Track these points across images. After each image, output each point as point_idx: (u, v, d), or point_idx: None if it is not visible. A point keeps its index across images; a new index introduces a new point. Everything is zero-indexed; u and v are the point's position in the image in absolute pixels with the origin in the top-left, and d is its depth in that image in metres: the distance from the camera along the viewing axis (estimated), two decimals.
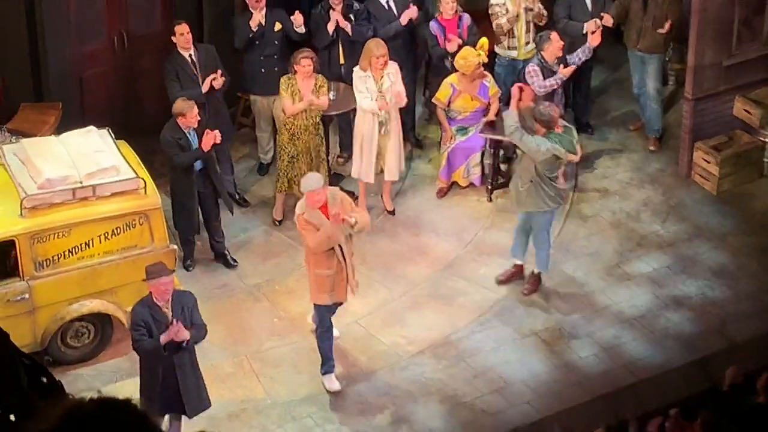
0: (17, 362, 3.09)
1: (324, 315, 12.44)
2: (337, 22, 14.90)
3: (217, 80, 14.24)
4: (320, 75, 14.25)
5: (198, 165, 13.61)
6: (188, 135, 13.44)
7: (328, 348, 12.61)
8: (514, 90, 13.38)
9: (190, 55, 14.38)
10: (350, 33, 14.97)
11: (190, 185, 13.66)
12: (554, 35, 14.55)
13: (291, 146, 14.18)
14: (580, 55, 14.73)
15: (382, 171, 14.58)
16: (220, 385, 12.66)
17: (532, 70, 14.57)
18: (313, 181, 12.21)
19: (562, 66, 14.53)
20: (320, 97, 14.10)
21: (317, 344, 12.62)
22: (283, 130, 14.26)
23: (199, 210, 13.85)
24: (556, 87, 14.53)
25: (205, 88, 14.17)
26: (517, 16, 15.19)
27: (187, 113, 13.32)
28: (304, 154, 14.18)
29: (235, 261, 14.19)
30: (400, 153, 14.63)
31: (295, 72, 14.04)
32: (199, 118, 13.42)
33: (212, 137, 13.30)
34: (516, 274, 13.84)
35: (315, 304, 12.45)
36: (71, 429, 2.65)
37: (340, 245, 12.08)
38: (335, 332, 12.87)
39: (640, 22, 15.30)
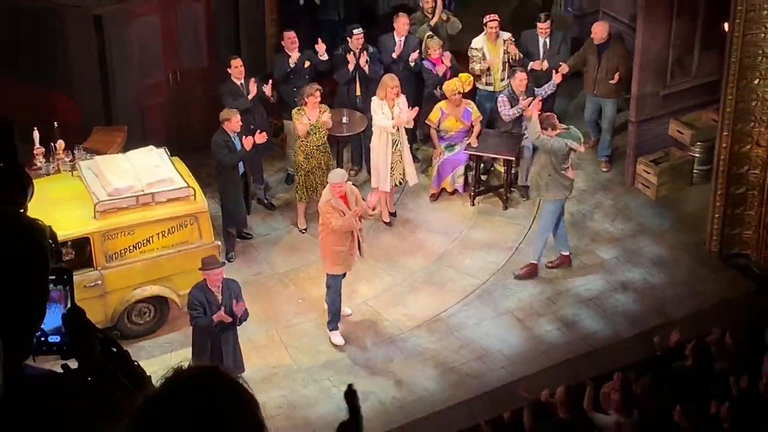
0: (92, 335, 3.08)
1: (337, 281, 12.64)
2: (357, 62, 14.88)
3: (268, 87, 14.34)
4: (323, 104, 14.18)
5: (241, 168, 13.58)
6: (233, 138, 13.41)
7: (336, 309, 12.73)
8: (533, 106, 13.69)
9: (240, 84, 14.32)
10: (367, 72, 14.95)
11: (237, 184, 13.65)
12: (519, 73, 14.52)
13: (306, 163, 14.09)
14: (546, 89, 14.71)
15: (398, 183, 14.54)
16: (256, 354, 12.65)
17: (501, 100, 14.59)
18: (338, 175, 12.65)
19: (524, 97, 14.49)
20: (323, 115, 14.05)
21: (327, 306, 12.74)
22: (298, 151, 14.12)
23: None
24: (518, 114, 14.49)
25: (252, 92, 14.20)
26: (489, 69, 15.16)
27: (232, 118, 13.34)
28: (317, 168, 14.12)
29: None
30: (411, 162, 14.63)
31: (305, 103, 13.97)
32: (241, 124, 13.40)
33: (252, 139, 13.31)
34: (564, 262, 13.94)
35: (329, 274, 12.65)
36: (173, 392, 2.60)
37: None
38: (347, 310, 12.91)
39: (595, 73, 15.20)
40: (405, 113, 14.17)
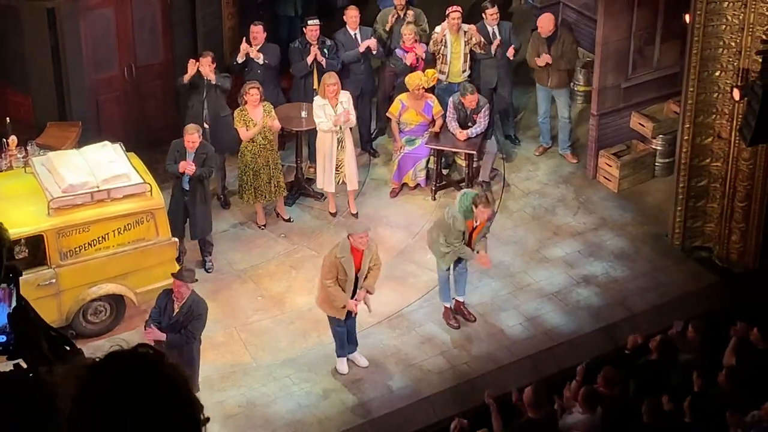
0: (39, 334, 3.06)
1: (337, 322, 12.23)
2: (315, 56, 14.79)
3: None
4: (266, 101, 13.99)
5: (185, 185, 13.23)
6: (187, 154, 13.18)
7: (342, 337, 12.34)
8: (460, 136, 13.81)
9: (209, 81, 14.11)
10: (324, 66, 14.85)
11: (177, 193, 13.35)
12: (470, 95, 14.40)
13: (253, 162, 13.93)
14: (475, 130, 14.58)
15: (343, 182, 14.46)
16: (214, 352, 12.57)
17: (450, 110, 14.62)
18: (361, 225, 12.34)
19: (460, 130, 14.52)
20: (273, 121, 13.91)
21: (333, 336, 12.36)
22: (244, 151, 13.95)
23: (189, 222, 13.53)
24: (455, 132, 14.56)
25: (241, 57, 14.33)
26: (443, 41, 15.12)
27: (186, 135, 13.10)
28: (264, 167, 14.01)
29: (210, 269, 13.75)
30: (355, 164, 14.54)
31: (245, 102, 13.83)
32: (196, 145, 13.05)
33: (185, 164, 12.99)
34: None
35: (329, 317, 12.27)
36: (110, 366, 2.76)
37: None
38: (364, 362, 12.53)
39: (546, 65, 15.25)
40: (351, 111, 14.08)
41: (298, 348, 12.77)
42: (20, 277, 3.11)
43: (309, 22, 14.86)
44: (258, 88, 13.83)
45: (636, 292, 13.58)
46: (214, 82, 13.97)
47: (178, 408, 2.76)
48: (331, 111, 14.01)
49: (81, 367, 2.73)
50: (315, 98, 14.17)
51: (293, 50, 14.92)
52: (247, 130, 13.82)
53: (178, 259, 13.17)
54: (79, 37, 14.53)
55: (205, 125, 13.88)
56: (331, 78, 14.08)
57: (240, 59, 14.63)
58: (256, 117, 13.82)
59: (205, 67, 13.96)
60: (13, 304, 3.04)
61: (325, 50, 14.87)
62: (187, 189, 13.24)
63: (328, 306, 12.17)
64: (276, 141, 14.24)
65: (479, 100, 14.60)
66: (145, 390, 2.72)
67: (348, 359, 12.48)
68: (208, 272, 13.65)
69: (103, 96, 15.11)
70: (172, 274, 11.47)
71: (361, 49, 15.02)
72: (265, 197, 14.14)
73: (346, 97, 14.15)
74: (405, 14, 15.55)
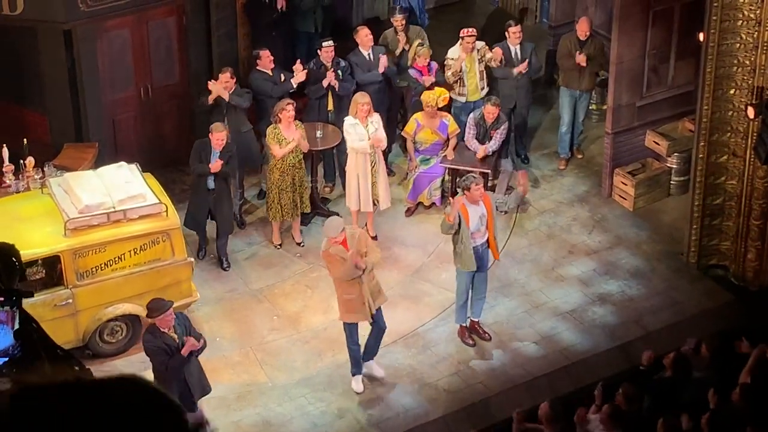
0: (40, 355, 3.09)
1: (351, 331, 12.29)
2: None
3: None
4: (298, 121, 14.11)
5: (210, 184, 13.53)
6: (213, 153, 13.35)
7: (355, 356, 12.42)
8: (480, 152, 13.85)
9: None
10: (338, 89, 14.90)
11: (202, 193, 13.57)
12: (489, 106, 14.57)
13: (281, 180, 14.02)
14: (495, 143, 14.70)
15: (375, 203, 14.42)
16: (230, 372, 12.63)
17: (469, 124, 14.75)
18: (333, 228, 12.04)
19: (482, 147, 14.62)
20: (297, 137, 13.95)
21: (348, 353, 12.42)
22: (274, 169, 14.03)
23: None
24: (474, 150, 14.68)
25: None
26: (461, 70, 15.21)
27: (214, 133, 13.28)
28: (291, 185, 14.07)
29: (228, 266, 14.08)
30: (387, 185, 14.60)
31: (279, 120, 13.88)
32: (223, 143, 13.33)
33: (219, 163, 13.27)
34: None
35: (343, 322, 12.30)
36: (72, 391, 2.58)
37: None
38: (381, 372, 12.63)
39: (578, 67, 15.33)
40: (381, 131, 14.13)
41: (314, 367, 12.82)
42: (31, 298, 3.17)
43: (324, 43, 14.91)
44: (293, 105, 13.91)
45: (651, 310, 13.60)
46: (227, 100, 14.07)
47: None
48: (363, 130, 13.99)
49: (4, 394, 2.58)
50: (346, 118, 14.11)
51: (311, 72, 14.89)
52: (280, 147, 13.89)
53: (201, 251, 13.90)
54: (95, 58, 14.66)
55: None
56: (364, 98, 14.04)
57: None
58: (289, 135, 13.88)
59: (219, 85, 14.07)
60: (16, 326, 3.10)
61: (339, 71, 14.92)
62: (212, 188, 13.48)
63: (345, 310, 12.15)
64: (303, 161, 14.25)
65: (500, 116, 14.67)
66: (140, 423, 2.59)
67: (364, 370, 12.52)
68: (225, 270, 13.96)
69: (119, 116, 15.24)
70: (149, 316, 11.26)
71: (381, 70, 15.04)
72: (290, 215, 14.14)
73: (376, 118, 14.14)
74: (404, 37, 15.61)
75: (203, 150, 13.40)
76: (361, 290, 11.99)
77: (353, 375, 12.51)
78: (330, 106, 15.04)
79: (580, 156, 15.95)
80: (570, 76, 15.53)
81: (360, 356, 12.43)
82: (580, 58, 15.19)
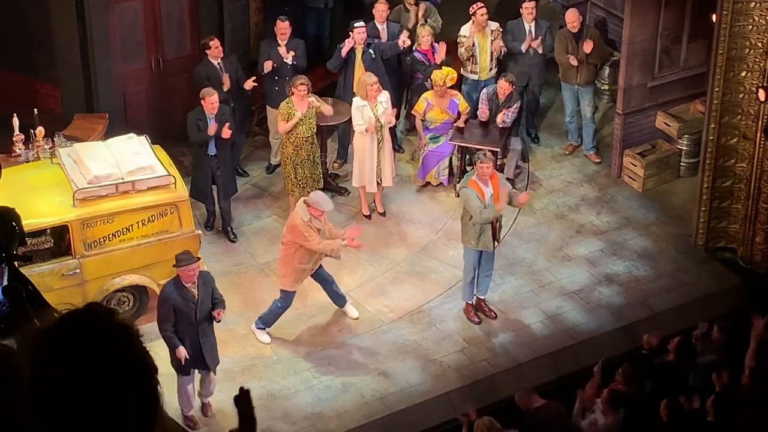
0: (28, 310, 3.22)
1: (289, 299, 12.63)
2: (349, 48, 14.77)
3: (249, 82, 14.54)
4: (312, 94, 14.11)
5: (212, 149, 13.62)
6: (208, 119, 13.45)
7: (275, 316, 12.75)
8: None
9: (218, 63, 14.37)
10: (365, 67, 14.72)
11: (204, 161, 13.71)
12: (503, 81, 14.59)
13: (295, 155, 14.02)
14: (509, 117, 14.70)
15: (378, 182, 14.48)
16: (236, 345, 12.69)
17: (482, 98, 14.78)
18: (327, 201, 12.44)
19: (501, 114, 14.64)
20: (321, 106, 14.01)
21: (271, 311, 12.74)
22: (287, 143, 14.05)
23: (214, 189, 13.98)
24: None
25: (226, 86, 14.31)
26: (473, 45, 15.18)
27: (206, 97, 13.37)
28: (306, 160, 14.07)
29: (235, 238, 14.23)
30: (393, 163, 14.61)
31: (292, 94, 13.94)
32: (216, 106, 13.44)
33: (215, 126, 13.42)
34: None
35: (285, 290, 12.58)
36: (63, 329, 2.83)
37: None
38: (355, 313, 13.02)
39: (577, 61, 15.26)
40: (390, 110, 14.12)
41: (319, 342, 12.87)
42: (31, 264, 3.27)
43: (355, 25, 14.78)
44: (306, 84, 13.89)
45: (658, 291, 13.60)
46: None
47: (132, 359, 2.87)
48: (370, 113, 13.98)
49: (35, 330, 2.85)
50: (354, 99, 14.14)
51: (338, 52, 14.85)
52: (286, 122, 13.89)
53: (209, 222, 14.09)
54: (107, 29, 14.68)
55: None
56: (371, 78, 14.02)
57: (267, 69, 14.66)
58: (302, 110, 13.88)
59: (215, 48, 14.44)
60: (4, 283, 3.14)
61: (371, 51, 14.82)
62: (214, 153, 13.66)
63: (294, 279, 12.47)
64: (316, 135, 14.25)
65: (512, 94, 14.64)
66: (98, 345, 2.82)
67: (342, 310, 13.05)
68: (233, 242, 14.14)
69: (130, 88, 15.26)
70: (175, 265, 11.42)
71: (401, 43, 14.95)
72: (308, 190, 14.15)
73: (385, 97, 14.13)
74: (417, 12, 15.58)
75: (199, 119, 13.48)
76: (314, 261, 12.42)
77: (258, 329, 12.78)
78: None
79: (598, 160, 15.67)
80: (568, 71, 15.47)
81: (276, 320, 12.74)
82: (573, 60, 15.11)
